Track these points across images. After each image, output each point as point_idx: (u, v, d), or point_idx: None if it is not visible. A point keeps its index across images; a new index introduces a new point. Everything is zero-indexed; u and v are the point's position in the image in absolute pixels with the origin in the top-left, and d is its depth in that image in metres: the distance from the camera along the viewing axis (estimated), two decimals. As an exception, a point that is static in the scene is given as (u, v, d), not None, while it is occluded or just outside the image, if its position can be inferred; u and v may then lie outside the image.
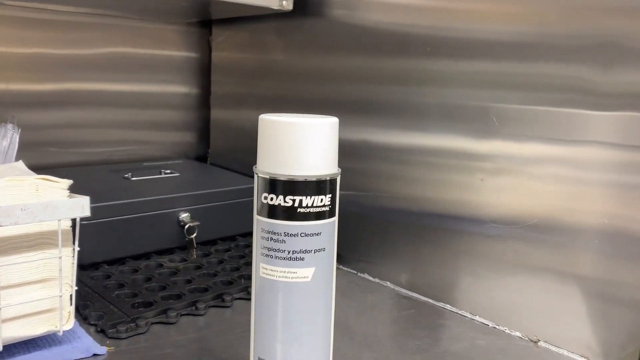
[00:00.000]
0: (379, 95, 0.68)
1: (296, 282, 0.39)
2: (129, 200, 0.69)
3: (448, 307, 0.62)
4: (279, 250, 0.38)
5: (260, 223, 0.39)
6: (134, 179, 0.78)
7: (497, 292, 0.59)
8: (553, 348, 0.54)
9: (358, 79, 0.71)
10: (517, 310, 0.57)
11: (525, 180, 0.56)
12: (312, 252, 0.39)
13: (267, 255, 0.39)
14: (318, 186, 0.38)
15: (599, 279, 0.51)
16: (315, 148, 0.38)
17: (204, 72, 1.00)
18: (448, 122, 0.62)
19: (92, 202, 0.66)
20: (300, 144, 0.37)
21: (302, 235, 0.38)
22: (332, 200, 0.39)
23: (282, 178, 0.38)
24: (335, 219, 0.40)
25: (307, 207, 0.38)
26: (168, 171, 0.83)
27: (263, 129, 0.39)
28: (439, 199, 0.63)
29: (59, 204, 0.46)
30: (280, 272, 0.39)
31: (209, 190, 0.77)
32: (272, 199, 0.38)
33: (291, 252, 0.38)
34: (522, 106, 0.55)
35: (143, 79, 0.94)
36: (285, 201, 0.38)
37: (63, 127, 0.86)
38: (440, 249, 0.63)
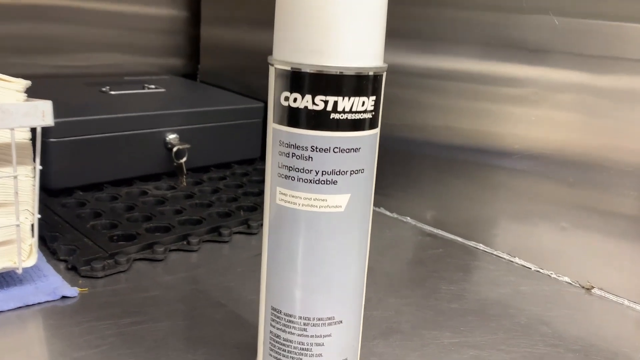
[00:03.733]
0: (401, 12, 0.57)
1: (326, 212, 0.29)
2: (106, 116, 0.58)
3: (481, 246, 0.54)
4: (303, 170, 0.29)
5: (278, 134, 0.29)
6: (112, 92, 0.67)
7: (538, 231, 0.50)
8: (610, 296, 0.46)
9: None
10: (563, 253, 0.49)
11: (565, 112, 0.47)
12: (348, 173, 0.29)
13: (287, 177, 0.29)
14: (359, 83, 0.28)
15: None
16: (357, 28, 0.27)
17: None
18: (482, 43, 0.51)
19: (62, 116, 0.56)
20: (337, 20, 0.27)
21: (336, 150, 0.28)
22: (376, 105, 0.29)
23: (309, 70, 0.27)
24: (378, 131, 0.30)
25: (343, 112, 0.28)
26: (153, 86, 0.72)
27: (283, 4, 0.28)
28: (471, 130, 0.53)
29: (11, 108, 0.36)
30: (305, 199, 0.29)
31: (200, 109, 0.66)
32: (295, 99, 0.28)
33: (320, 173, 0.29)
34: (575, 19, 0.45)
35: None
36: (314, 103, 0.28)
37: (34, 39, 0.74)
38: (472, 183, 0.54)
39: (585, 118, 0.47)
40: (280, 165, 0.29)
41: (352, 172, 0.29)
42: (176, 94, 0.73)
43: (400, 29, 0.57)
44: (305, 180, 0.29)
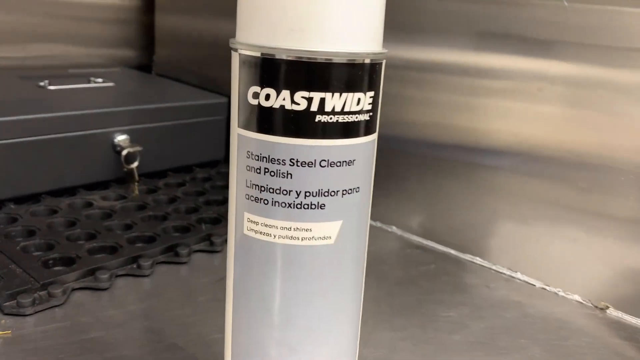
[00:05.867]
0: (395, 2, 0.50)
1: (310, 245, 0.22)
2: (43, 115, 0.50)
3: (478, 260, 0.47)
4: (280, 191, 0.22)
5: (245, 142, 0.22)
6: (52, 87, 0.58)
7: (543, 241, 0.44)
8: (628, 318, 0.40)
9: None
10: (571, 266, 0.43)
11: (570, 107, 0.41)
12: (339, 194, 0.22)
13: (257, 200, 0.22)
14: (353, 74, 0.21)
15: None
16: (351, 2, 0.20)
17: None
18: (464, 31, 0.45)
19: (-13, 116, 0.47)
20: (326, -10, 0.20)
21: (323, 164, 0.21)
22: (374, 103, 0.22)
23: (286, 56, 0.20)
24: (375, 137, 0.23)
25: (332, 112, 0.21)
26: (100, 80, 0.63)
27: (251, -34, 0.21)
28: (463, 127, 0.47)
29: None
30: (283, 228, 0.22)
31: (154, 105, 0.58)
32: (267, 97, 0.21)
33: (302, 195, 0.21)
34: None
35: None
36: (293, 101, 0.21)
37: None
38: (465, 185, 0.48)
39: (594, 114, 0.41)
40: (248, 184, 0.22)
41: (344, 192, 0.22)
42: (127, 89, 0.65)
43: (385, 20, 0.50)
44: (283, 204, 0.22)
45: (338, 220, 0.22)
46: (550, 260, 0.44)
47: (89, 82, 0.62)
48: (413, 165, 0.51)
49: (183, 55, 0.76)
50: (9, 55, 0.69)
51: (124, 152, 0.54)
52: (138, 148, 0.55)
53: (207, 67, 0.71)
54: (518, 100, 0.44)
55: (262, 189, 0.22)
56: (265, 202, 0.22)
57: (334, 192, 0.22)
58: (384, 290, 0.42)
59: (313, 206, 0.22)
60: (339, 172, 0.22)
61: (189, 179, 0.59)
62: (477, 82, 0.46)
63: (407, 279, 0.44)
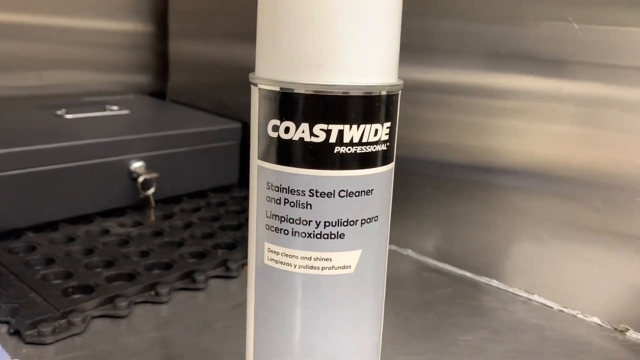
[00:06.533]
0: (407, 24, 0.51)
1: (330, 275, 0.22)
2: (61, 144, 0.51)
3: (494, 283, 0.47)
4: (300, 222, 0.22)
5: (265, 174, 0.22)
6: (68, 116, 0.59)
7: (560, 262, 0.44)
8: (649, 340, 0.40)
9: None
10: (589, 288, 0.43)
11: (587, 127, 0.42)
12: (359, 223, 0.22)
13: (277, 230, 0.22)
14: (370, 106, 0.21)
15: None
16: (365, 35, 0.21)
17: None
18: (482, 53, 0.45)
19: (9, 145, 0.48)
20: (340, 25, 0.20)
21: (342, 194, 0.22)
22: (391, 133, 0.23)
23: (305, 90, 0.21)
24: (393, 167, 0.24)
25: (351, 144, 0.21)
26: (115, 107, 0.64)
27: (268, 3, 0.21)
28: (478, 147, 0.47)
29: None
30: (303, 258, 0.22)
31: (169, 132, 0.59)
32: (287, 130, 0.21)
33: (322, 225, 0.22)
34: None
35: (87, 12, 0.74)
36: (312, 134, 0.21)
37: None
38: (481, 206, 0.48)
39: (607, 133, 0.41)
40: (268, 215, 0.22)
41: (363, 222, 0.22)
42: (142, 116, 0.66)
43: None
44: (303, 234, 0.22)
45: (358, 250, 0.22)
46: (568, 282, 0.44)
47: (104, 110, 0.63)
48: (428, 186, 0.51)
49: (197, 81, 0.77)
50: (25, 84, 0.70)
51: (140, 179, 0.55)
52: (154, 175, 0.55)
53: (221, 93, 0.72)
54: (531, 120, 0.44)
55: (282, 219, 0.22)
56: (286, 232, 0.22)
57: (353, 221, 0.22)
58: (401, 315, 0.42)
59: (333, 236, 0.22)
60: (357, 202, 0.22)
61: (204, 204, 0.59)
62: (491, 102, 0.46)
63: (424, 302, 0.44)
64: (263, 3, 0.22)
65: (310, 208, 0.22)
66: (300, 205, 0.22)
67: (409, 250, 0.52)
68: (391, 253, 0.52)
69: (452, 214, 0.50)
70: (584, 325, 0.42)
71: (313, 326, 0.23)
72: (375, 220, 0.23)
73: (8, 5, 0.68)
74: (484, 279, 0.48)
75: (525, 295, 0.46)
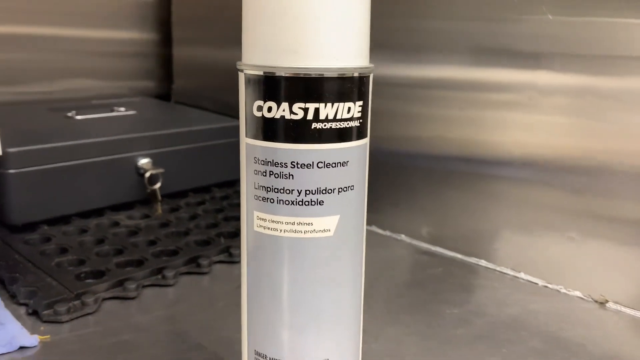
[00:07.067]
0: (382, 25, 0.54)
1: (312, 238, 0.25)
2: (72, 142, 0.54)
3: (483, 262, 0.50)
4: (283, 191, 0.25)
5: (252, 150, 0.25)
6: (78, 117, 0.63)
7: (544, 243, 0.46)
8: (627, 310, 0.42)
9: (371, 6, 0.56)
10: (572, 265, 0.45)
11: (564, 116, 0.44)
12: (336, 191, 0.25)
13: (265, 200, 0.25)
14: (343, 86, 0.24)
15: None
16: (337, 22, 0.24)
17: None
18: (472, 50, 0.48)
19: (22, 144, 0.51)
20: (315, 13, 0.23)
21: (320, 165, 0.24)
22: (364, 111, 0.26)
23: (284, 73, 0.24)
24: (367, 141, 0.26)
25: (326, 120, 0.24)
26: (122, 109, 0.68)
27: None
28: (466, 139, 0.50)
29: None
30: (287, 223, 0.25)
31: (174, 130, 0.62)
32: (269, 109, 0.24)
33: (303, 193, 0.25)
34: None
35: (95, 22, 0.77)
36: (292, 112, 0.24)
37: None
38: (470, 194, 0.50)
39: (586, 121, 0.43)
40: (256, 186, 0.25)
41: (340, 190, 0.25)
42: (148, 116, 0.69)
43: (384, 41, 0.53)
44: (287, 202, 0.25)
45: (336, 215, 0.25)
46: (552, 260, 0.46)
47: (112, 111, 0.67)
48: (419, 177, 0.54)
49: (199, 84, 0.80)
50: (38, 90, 0.73)
51: (147, 175, 0.58)
52: (160, 170, 0.58)
53: (222, 94, 0.75)
54: (514, 111, 0.47)
55: (268, 189, 0.25)
56: (272, 201, 0.25)
57: (331, 190, 0.25)
58: (393, 292, 0.45)
59: (313, 203, 0.25)
60: (334, 173, 0.25)
61: (209, 198, 0.62)
62: (476, 96, 0.49)
63: (415, 281, 0.47)
64: (248, 7, 0.25)
65: (293, 178, 0.24)
66: (284, 176, 0.25)
67: (403, 236, 0.55)
68: (385, 238, 0.55)
69: (443, 202, 0.52)
70: (566, 298, 0.44)
71: (298, 283, 0.25)
72: (351, 189, 0.25)
73: (20, 18, 0.71)
74: (473, 260, 0.50)
75: (512, 273, 0.48)
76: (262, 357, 0.26)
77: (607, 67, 0.42)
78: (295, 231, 0.25)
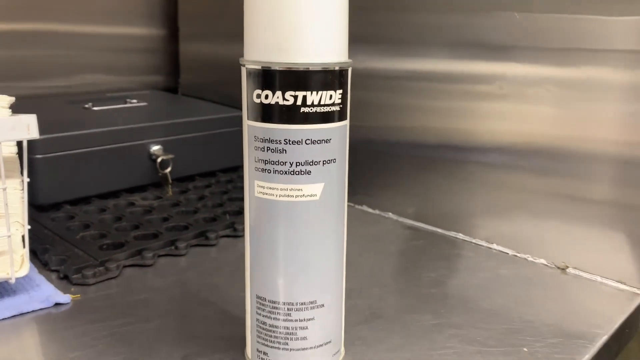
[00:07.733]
0: (365, 19, 0.59)
1: (302, 201, 0.31)
2: (90, 131, 0.60)
3: (460, 236, 0.56)
4: (278, 163, 0.30)
5: (253, 130, 0.31)
6: (95, 108, 0.69)
7: (514, 219, 0.52)
8: (584, 274, 0.48)
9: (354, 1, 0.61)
10: (538, 237, 0.51)
11: (532, 104, 0.50)
12: (321, 163, 0.31)
13: (263, 170, 0.31)
14: (326, 78, 0.30)
15: (621, 205, 0.45)
16: (321, 27, 0.29)
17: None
18: (448, 44, 0.53)
19: (47, 132, 0.57)
20: (302, 20, 0.29)
21: (308, 142, 0.30)
22: (344, 98, 0.31)
23: (278, 67, 0.29)
24: (347, 123, 0.32)
25: (312, 105, 0.30)
26: (135, 101, 0.73)
27: (251, 2, 0.30)
28: (445, 128, 0.55)
29: (-3, 123, 0.37)
30: (282, 189, 0.31)
31: (182, 120, 0.68)
32: (267, 96, 0.30)
33: (294, 164, 0.30)
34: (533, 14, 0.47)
35: (105, 19, 0.83)
36: (284, 98, 0.30)
37: (12, 65, 0.75)
38: (450, 178, 0.56)
39: (552, 109, 0.49)
40: (256, 160, 0.31)
41: (324, 162, 0.31)
42: (158, 107, 0.75)
43: (367, 35, 0.59)
44: (281, 172, 0.30)
45: (321, 183, 0.31)
46: (521, 233, 0.52)
47: (125, 102, 0.72)
48: (404, 164, 0.59)
49: (205, 77, 0.86)
50: (55, 84, 0.79)
51: (159, 160, 0.63)
52: (170, 156, 0.64)
53: (226, 86, 0.81)
54: (486, 101, 0.52)
55: (266, 162, 0.31)
56: (269, 171, 0.31)
57: (316, 162, 0.31)
58: (379, 261, 0.50)
59: (302, 172, 0.30)
60: (319, 148, 0.30)
61: (215, 182, 0.68)
62: (452, 87, 0.54)
63: (398, 252, 0.53)
64: (247, 7, 0.30)
65: (286, 153, 0.30)
66: (278, 151, 0.30)
67: (390, 214, 0.61)
68: (374, 216, 0.61)
69: (426, 185, 0.58)
70: (532, 265, 0.50)
71: (291, 240, 0.31)
72: (333, 162, 0.31)
73: (34, 15, 0.77)
74: (451, 233, 0.56)
75: (485, 244, 0.54)
76: (262, 300, 0.32)
77: (570, 59, 0.47)
78: (288, 196, 0.31)
